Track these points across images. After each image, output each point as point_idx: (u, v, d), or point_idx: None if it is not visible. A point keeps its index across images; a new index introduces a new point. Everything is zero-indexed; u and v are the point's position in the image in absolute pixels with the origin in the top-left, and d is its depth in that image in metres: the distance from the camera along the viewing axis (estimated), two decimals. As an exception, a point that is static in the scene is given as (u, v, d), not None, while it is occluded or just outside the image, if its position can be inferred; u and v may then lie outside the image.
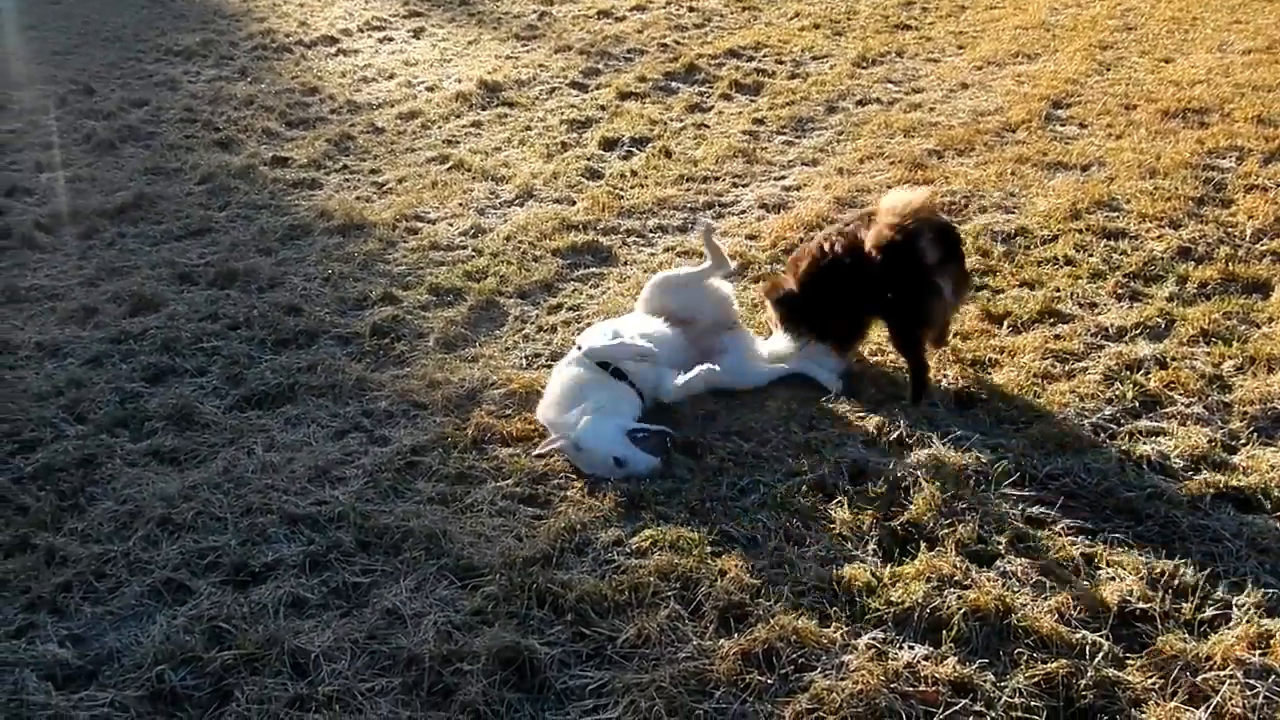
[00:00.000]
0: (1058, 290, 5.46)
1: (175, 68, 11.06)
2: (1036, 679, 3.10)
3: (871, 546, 3.71)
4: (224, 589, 3.65)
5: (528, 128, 8.75)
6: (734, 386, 4.74)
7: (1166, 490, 3.92)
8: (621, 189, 7.31)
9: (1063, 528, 3.75)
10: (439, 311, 5.69)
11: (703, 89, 9.58)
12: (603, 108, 9.13)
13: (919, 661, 3.18)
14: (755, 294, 5.47)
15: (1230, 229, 6.01)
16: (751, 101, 9.17)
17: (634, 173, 7.59)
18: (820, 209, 6.61)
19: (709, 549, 3.71)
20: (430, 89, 9.96)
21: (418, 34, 12.10)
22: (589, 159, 7.91)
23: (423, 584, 3.63)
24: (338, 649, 3.32)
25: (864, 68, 9.93)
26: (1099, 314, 5.22)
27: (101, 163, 8.31)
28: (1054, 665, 3.13)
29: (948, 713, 3.02)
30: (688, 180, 7.39)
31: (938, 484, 3.94)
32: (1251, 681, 3.06)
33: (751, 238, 6.45)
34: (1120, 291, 5.42)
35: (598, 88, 9.75)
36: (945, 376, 4.76)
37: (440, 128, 8.88)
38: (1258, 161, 6.87)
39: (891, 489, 3.96)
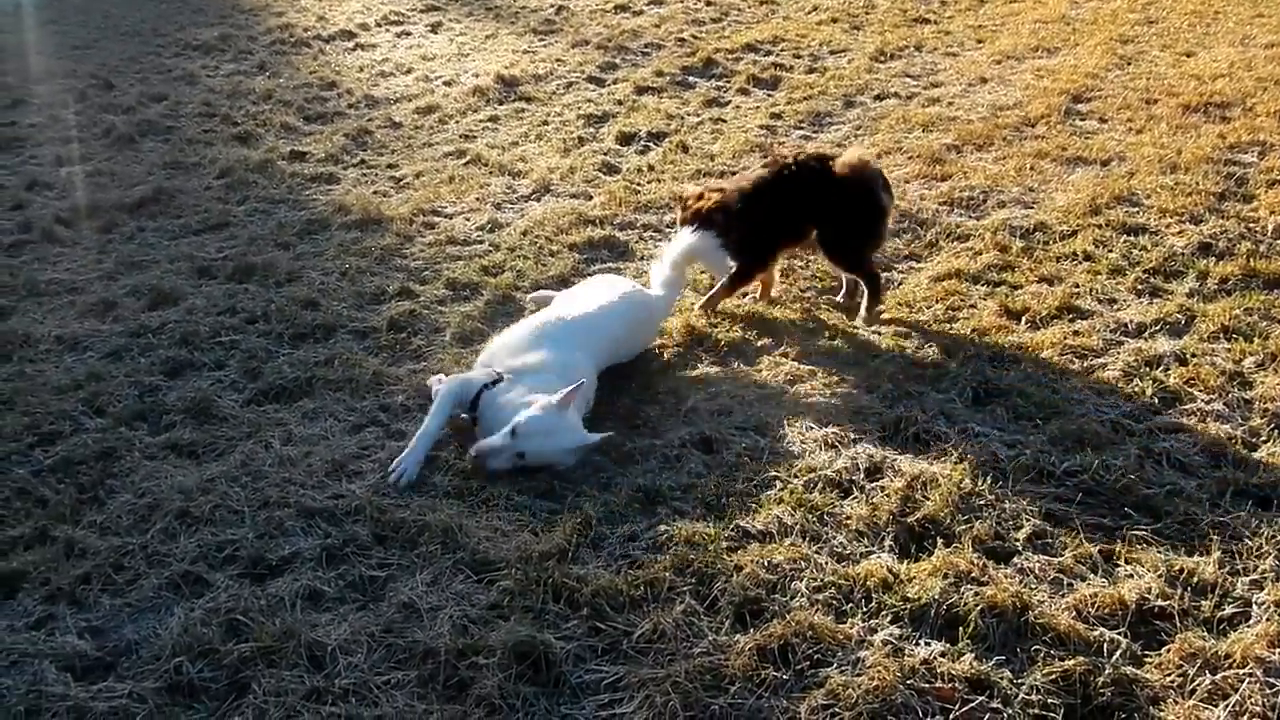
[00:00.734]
0: (1077, 286, 5.43)
1: (194, 62, 11.10)
2: (1054, 676, 3.08)
3: (888, 543, 3.69)
4: (241, 582, 3.65)
5: (545, 122, 8.75)
6: None
7: (1186, 487, 3.90)
8: (638, 184, 7.30)
9: (1081, 524, 3.73)
10: (456, 306, 5.69)
11: (720, 83, 9.56)
12: (620, 102, 9.12)
13: (935, 658, 3.16)
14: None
15: (1251, 224, 5.97)
16: (769, 96, 9.15)
17: (651, 167, 7.59)
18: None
19: (725, 544, 3.71)
20: (447, 84, 9.97)
21: (435, 29, 12.12)
22: (606, 154, 7.90)
23: (439, 578, 3.63)
24: (354, 642, 3.33)
25: (882, 62, 9.90)
26: (1118, 310, 5.19)
27: (121, 157, 8.35)
28: (1072, 663, 3.11)
29: (964, 710, 3.01)
30: (705, 175, 7.37)
31: (955, 480, 3.93)
32: (1271, 680, 3.03)
33: (768, 232, 6.42)
34: (1140, 287, 5.39)
35: (615, 82, 9.75)
36: (963, 372, 4.73)
37: (457, 122, 8.89)
38: (1280, 156, 6.82)
39: (908, 485, 3.94)
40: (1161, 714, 2.99)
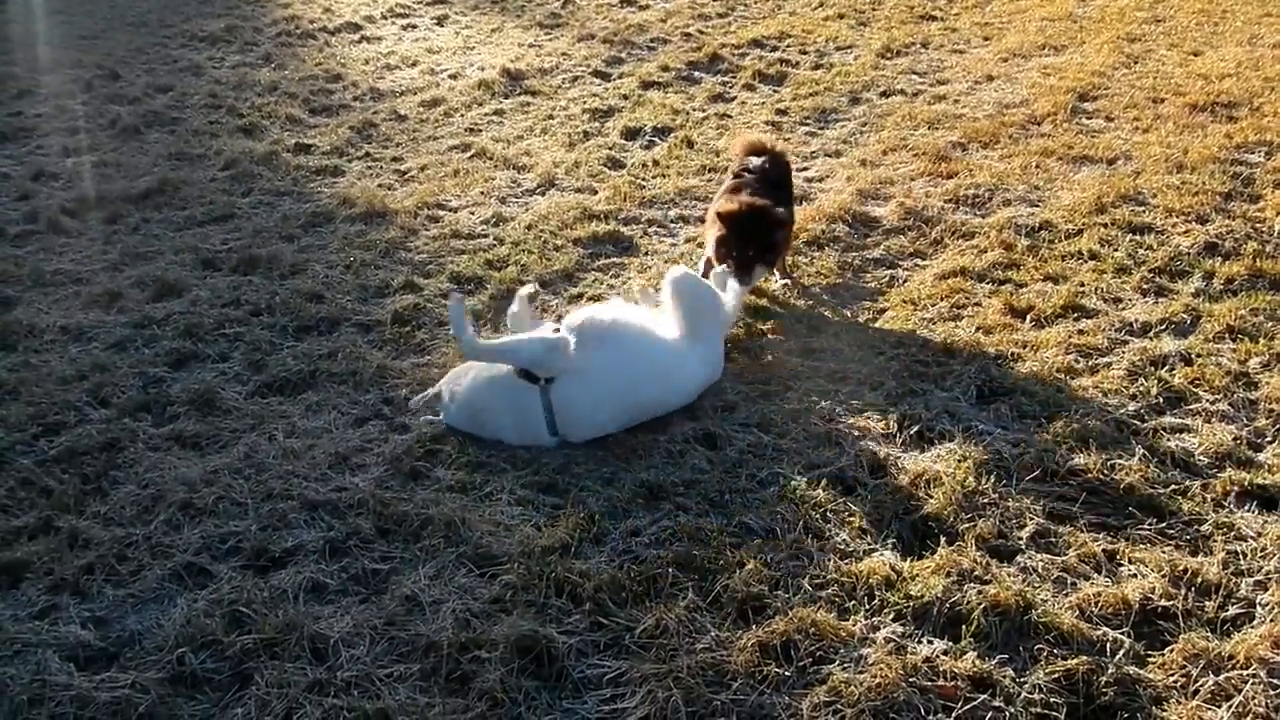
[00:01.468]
0: (1082, 285, 5.42)
1: (200, 53, 11.09)
2: (1056, 675, 3.09)
3: (891, 540, 3.70)
4: (244, 574, 3.66)
5: (550, 116, 8.74)
6: None
7: (1190, 487, 3.90)
8: (643, 179, 7.29)
9: (1085, 524, 3.74)
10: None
11: (726, 79, 9.54)
12: (625, 97, 9.11)
13: (938, 656, 3.17)
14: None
15: (1258, 224, 5.96)
16: (775, 92, 9.13)
17: (656, 162, 7.58)
18: (843, 200, 6.59)
19: (728, 540, 3.71)
20: (453, 77, 9.96)
21: (441, 21, 12.10)
22: (611, 148, 7.89)
23: (442, 571, 3.63)
24: (357, 635, 3.34)
25: (888, 59, 9.88)
26: (1124, 309, 5.19)
27: (126, 148, 8.34)
28: (1074, 662, 3.11)
29: (967, 708, 3.01)
30: (710, 170, 7.37)
31: (958, 478, 3.93)
32: (1275, 681, 3.04)
33: (773, 229, 6.41)
34: (1146, 287, 5.38)
35: (620, 77, 9.73)
36: (968, 370, 4.72)
37: (463, 116, 8.87)
38: (1287, 156, 6.80)
39: (912, 483, 3.95)
40: (1164, 714, 2.99)
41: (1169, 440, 4.17)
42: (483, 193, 7.20)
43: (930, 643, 3.23)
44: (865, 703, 3.01)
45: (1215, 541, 3.62)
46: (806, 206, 6.64)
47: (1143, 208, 6.27)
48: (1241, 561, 3.53)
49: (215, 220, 6.94)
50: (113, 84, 10.08)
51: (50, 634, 3.41)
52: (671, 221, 6.65)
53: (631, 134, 8.20)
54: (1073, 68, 9.09)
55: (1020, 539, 3.66)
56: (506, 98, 9.28)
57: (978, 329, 5.09)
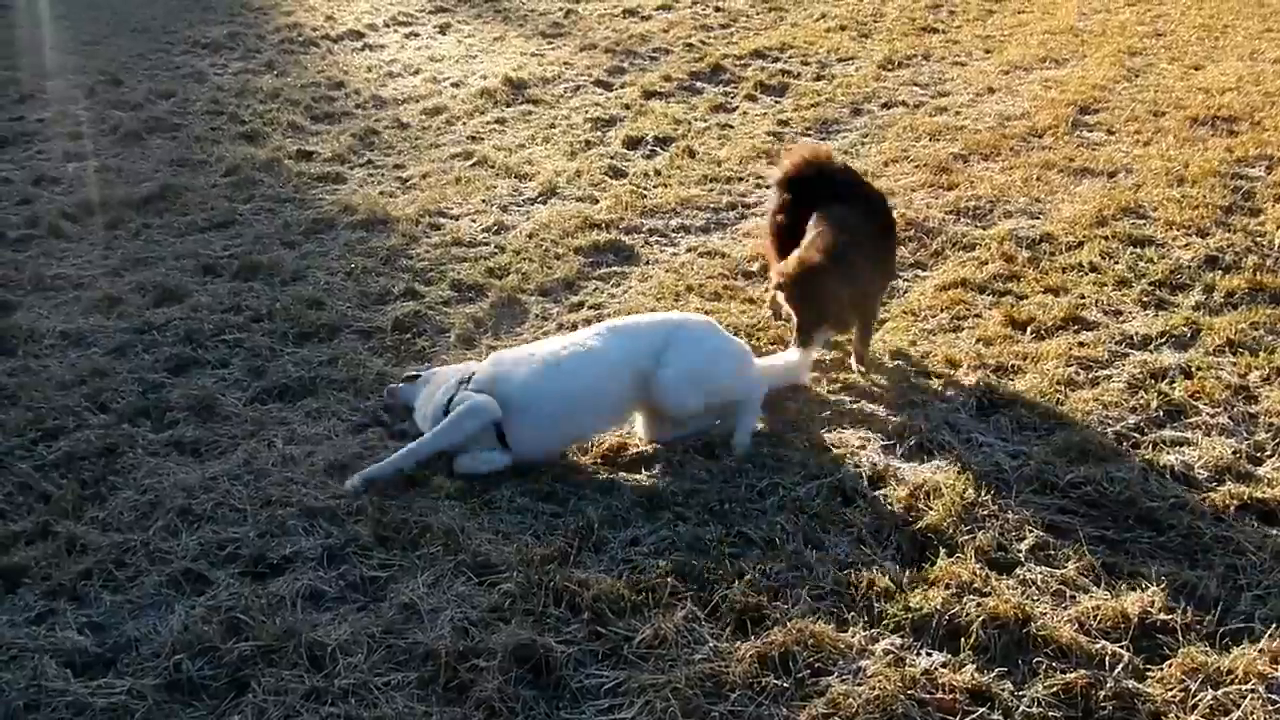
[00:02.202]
0: (1082, 297, 5.43)
1: (202, 60, 11.11)
2: (1055, 689, 3.08)
3: (891, 552, 3.69)
4: (242, 580, 3.65)
5: (552, 125, 8.76)
6: None
7: (1190, 501, 3.89)
8: (645, 188, 7.30)
9: (1084, 536, 3.73)
10: (461, 308, 5.69)
11: (728, 89, 9.57)
12: (627, 106, 9.12)
13: (937, 669, 3.16)
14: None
15: (1259, 238, 5.97)
16: (776, 103, 9.15)
17: (657, 172, 7.59)
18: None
19: (727, 550, 3.70)
20: (455, 85, 9.98)
21: (444, 30, 12.13)
22: (612, 157, 7.90)
23: (440, 580, 3.62)
24: (355, 642, 3.32)
25: (890, 70, 9.90)
26: (1124, 322, 5.19)
27: (128, 153, 8.35)
28: (1073, 675, 3.10)
29: (965, 721, 3.00)
30: (711, 180, 7.38)
31: (958, 490, 3.92)
32: (1274, 696, 3.03)
33: (774, 239, 6.42)
34: (1146, 299, 5.39)
35: (622, 86, 9.75)
36: (968, 382, 4.72)
37: (464, 124, 8.89)
38: (1287, 171, 6.82)
39: (911, 494, 3.94)
40: (1163, 728, 2.98)
41: (1169, 453, 4.17)
42: (484, 201, 7.21)
43: (929, 655, 3.22)
44: (864, 715, 3.00)
45: (1215, 555, 3.62)
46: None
47: (1143, 221, 6.28)
48: (1241, 576, 3.52)
49: (216, 226, 6.94)
50: (115, 90, 10.09)
51: (47, 639, 3.39)
52: (673, 231, 6.65)
53: (633, 143, 8.21)
54: (1074, 81, 9.12)
55: (1020, 551, 3.66)
56: (508, 106, 9.30)
57: (978, 340, 5.09)
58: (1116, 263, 5.76)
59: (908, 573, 3.56)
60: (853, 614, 3.40)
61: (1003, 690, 3.08)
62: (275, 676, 3.20)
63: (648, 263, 6.19)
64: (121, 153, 8.36)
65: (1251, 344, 4.90)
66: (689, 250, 6.34)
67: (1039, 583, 3.51)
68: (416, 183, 7.63)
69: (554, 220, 6.74)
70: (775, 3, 12.58)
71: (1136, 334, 5.05)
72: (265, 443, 4.48)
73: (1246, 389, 4.60)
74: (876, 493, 4.00)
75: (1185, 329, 5.07)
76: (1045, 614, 3.36)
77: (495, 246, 6.49)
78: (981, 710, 3.03)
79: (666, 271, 5.99)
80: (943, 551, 3.64)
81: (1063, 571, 3.56)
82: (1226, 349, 4.88)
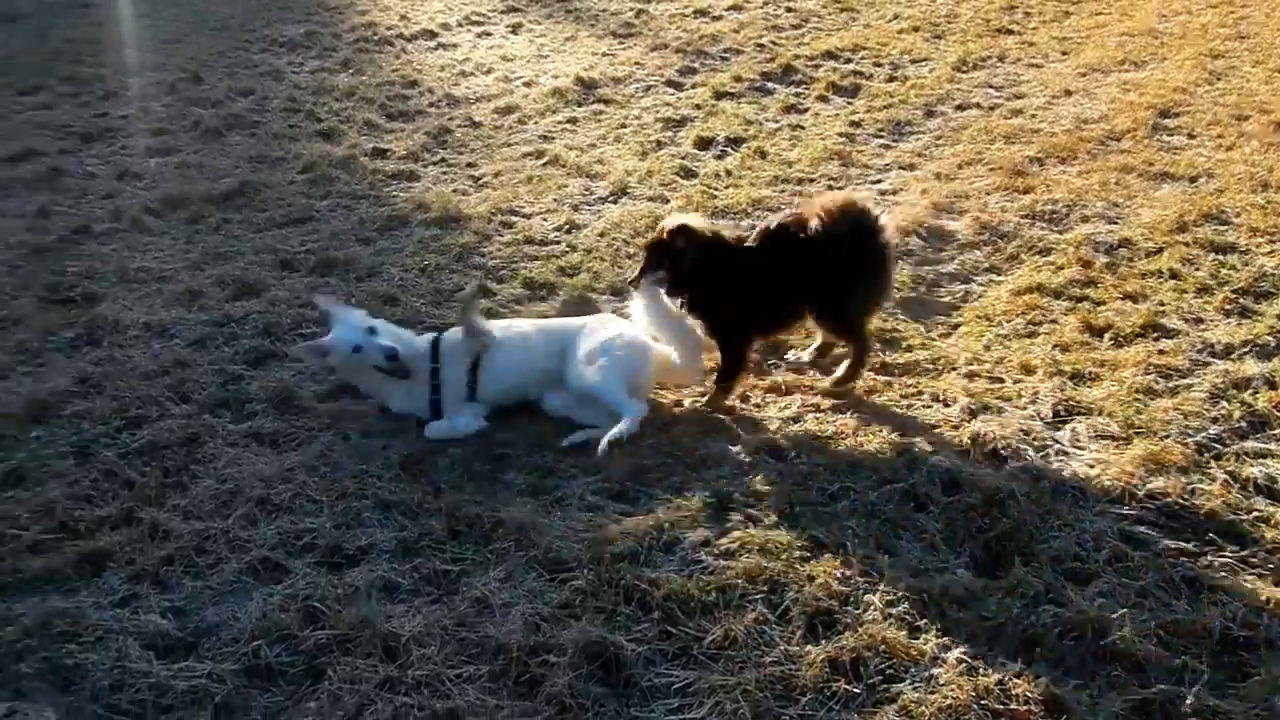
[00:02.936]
0: (1162, 304, 5.33)
1: (280, 58, 11.30)
2: (1132, 703, 3.04)
3: (964, 559, 3.66)
4: (319, 570, 3.72)
5: (623, 125, 8.77)
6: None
7: (1274, 515, 3.81)
8: (715, 188, 7.29)
9: (1163, 549, 3.66)
10: (532, 305, 5.73)
11: (799, 90, 9.51)
12: (698, 107, 9.11)
13: (1010, 679, 3.13)
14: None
15: (1346, 247, 5.81)
16: (848, 104, 9.09)
17: (728, 172, 7.57)
18: (917, 214, 6.53)
19: (798, 554, 3.69)
20: (527, 84, 10.03)
21: (516, 29, 12.20)
22: (683, 158, 7.90)
23: (512, 574, 3.66)
24: (428, 634, 3.37)
25: (964, 72, 9.78)
26: (1205, 330, 5.08)
27: (209, 149, 8.52)
28: (1151, 690, 3.06)
29: (1040, 731, 2.97)
30: (782, 181, 7.35)
31: (1033, 498, 3.87)
32: (1361, 716, 2.96)
33: (846, 241, 6.38)
34: (1228, 307, 5.27)
35: (693, 87, 9.74)
36: (1044, 388, 4.66)
37: (536, 123, 8.94)
38: (1377, 178, 6.63)
39: (985, 501, 3.89)
40: (1244, 746, 2.93)
41: (1251, 466, 4.08)
42: (556, 199, 7.25)
43: (1003, 665, 3.19)
44: (936, 722, 2.98)
45: (1299, 571, 3.54)
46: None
47: (1225, 227, 6.14)
48: (1327, 592, 3.44)
49: (294, 222, 7.06)
50: (196, 87, 10.29)
51: (131, 622, 3.50)
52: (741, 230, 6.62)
53: (704, 144, 8.20)
54: (1154, 84, 8.94)
55: (1097, 562, 3.60)
56: (580, 106, 9.33)
57: (1054, 347, 5.02)
58: (1197, 269, 5.65)
59: (981, 581, 3.53)
60: (925, 621, 3.38)
61: (1079, 703, 3.05)
62: (350, 665, 3.26)
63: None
64: (202, 149, 8.54)
65: (1339, 355, 4.78)
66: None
67: (1116, 594, 3.45)
68: (489, 181, 7.69)
69: (625, 219, 6.76)
70: (847, 3, 12.48)
71: (1218, 342, 4.95)
72: (341, 435, 4.56)
73: (1333, 401, 4.49)
74: (950, 499, 3.95)
75: (1269, 338, 4.95)
76: (1123, 626, 3.30)
77: (566, 245, 6.53)
78: (1056, 721, 2.99)
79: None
80: (1017, 560, 3.60)
81: (1141, 583, 3.50)
82: (1312, 360, 4.77)
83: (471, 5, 13.28)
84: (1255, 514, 3.80)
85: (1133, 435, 4.30)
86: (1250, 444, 4.23)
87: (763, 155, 7.87)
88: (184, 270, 6.34)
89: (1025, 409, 4.54)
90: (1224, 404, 4.47)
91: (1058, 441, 4.29)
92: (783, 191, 7.16)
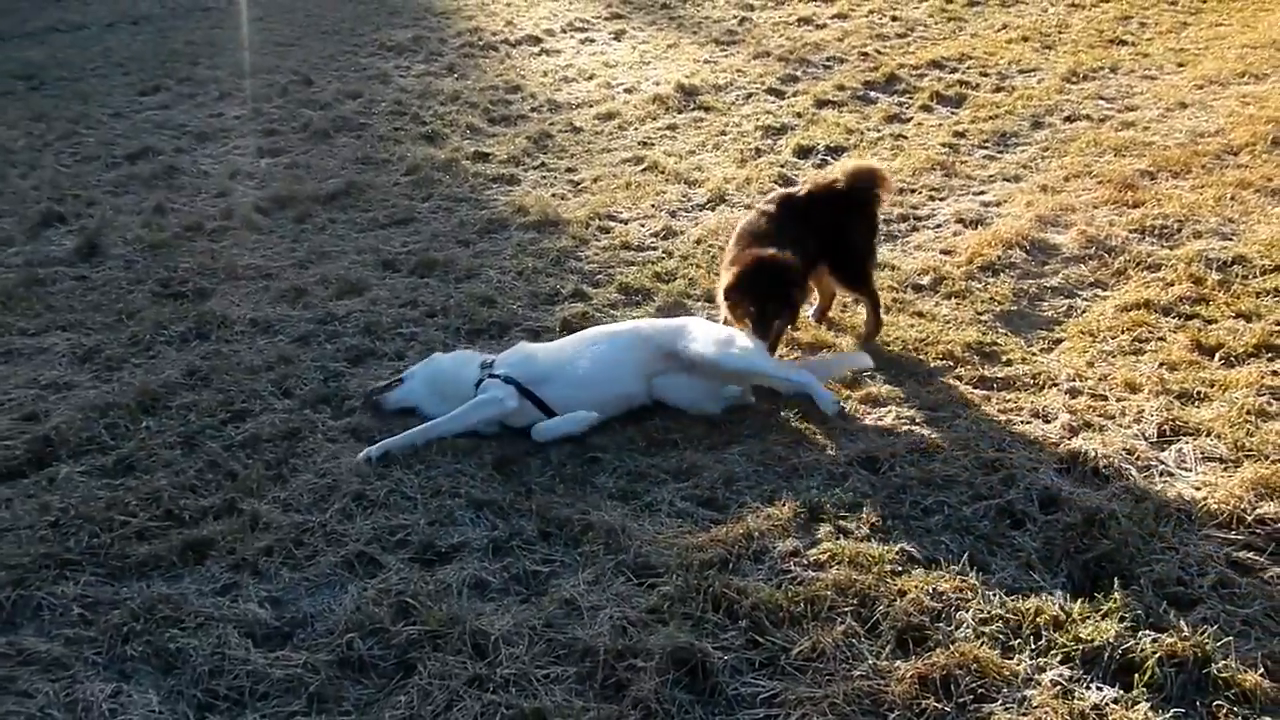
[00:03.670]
0: (1277, 324, 5.14)
1: (388, 62, 11.54)
2: (1237, 735, 2.93)
3: (1061, 579, 3.57)
4: (412, 566, 3.78)
5: (722, 132, 8.77)
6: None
7: (1392, 546, 3.64)
8: (814, 197, 7.23)
9: (1272, 576, 3.53)
10: (627, 310, 5.76)
11: (902, 99, 9.41)
12: (799, 115, 9.07)
13: (1108, 704, 3.04)
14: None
15: None
16: (953, 114, 8.96)
17: (828, 181, 7.50)
18: (1021, 226, 6.41)
19: (889, 567, 3.64)
20: (628, 91, 10.10)
21: (618, 36, 12.29)
22: (782, 166, 7.87)
23: (600, 578, 3.67)
24: (516, 633, 3.40)
25: (1074, 83, 9.57)
26: (1324, 352, 4.89)
27: (316, 150, 8.74)
28: (1257, 722, 2.95)
29: (1137, 760, 2.88)
30: (883, 191, 7.26)
31: (1136, 519, 3.76)
32: None
33: (946, 253, 6.30)
34: (1349, 329, 5.06)
35: (795, 95, 9.70)
36: (1149, 407, 4.52)
37: (636, 129, 8.99)
38: None
39: (1085, 520, 3.79)
40: (1356, 786, 2.80)
41: (1371, 494, 3.91)
42: (654, 206, 7.27)
43: (1100, 690, 3.10)
44: (1028, 745, 2.91)
45: None
46: (982, 231, 6.49)
47: (1348, 246, 5.91)
48: None
49: (396, 223, 7.20)
50: (306, 89, 10.58)
51: (230, 610, 3.58)
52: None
53: (804, 152, 8.16)
54: (1275, 97, 8.64)
55: (1201, 588, 3.48)
56: (680, 113, 9.36)
57: (1161, 364, 4.88)
58: (1317, 289, 5.44)
59: (1079, 602, 3.43)
60: (1019, 641, 3.30)
61: (1179, 732, 2.95)
62: (440, 661, 3.30)
63: (815, 272, 6.14)
64: (310, 150, 8.76)
65: None
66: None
67: (1221, 622, 3.33)
68: (588, 186, 7.75)
69: (722, 227, 6.75)
70: (955, 12, 12.32)
71: (1338, 365, 4.76)
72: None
73: None
74: (1048, 517, 3.86)
75: (1392, 363, 4.75)
76: (1227, 656, 3.18)
77: (663, 251, 6.54)
78: (1155, 751, 2.90)
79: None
80: (1117, 582, 3.49)
81: (1247, 611, 3.37)
82: None
83: (575, 12, 13.42)
84: (1373, 545, 3.64)
85: (1242, 458, 4.15)
86: (1370, 472, 4.06)
87: (863, 164, 7.78)
88: (290, 268, 6.51)
89: (1129, 428, 4.42)
90: (1342, 429, 4.29)
91: (1162, 462, 4.17)
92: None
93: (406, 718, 3.13)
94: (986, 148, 8.11)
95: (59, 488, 4.32)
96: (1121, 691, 3.09)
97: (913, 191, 7.29)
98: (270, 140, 9.09)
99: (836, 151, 8.12)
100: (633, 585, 3.63)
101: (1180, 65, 9.95)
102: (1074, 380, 4.83)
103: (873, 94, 9.60)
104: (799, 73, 10.38)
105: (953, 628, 3.35)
